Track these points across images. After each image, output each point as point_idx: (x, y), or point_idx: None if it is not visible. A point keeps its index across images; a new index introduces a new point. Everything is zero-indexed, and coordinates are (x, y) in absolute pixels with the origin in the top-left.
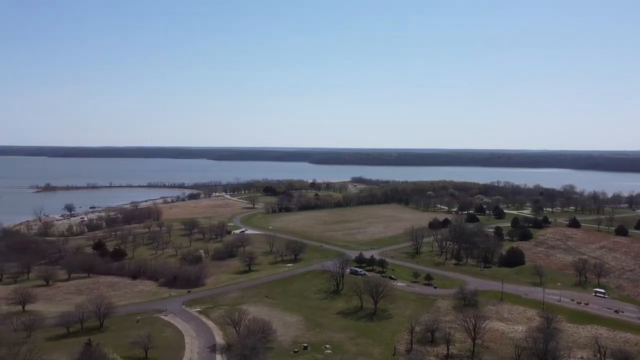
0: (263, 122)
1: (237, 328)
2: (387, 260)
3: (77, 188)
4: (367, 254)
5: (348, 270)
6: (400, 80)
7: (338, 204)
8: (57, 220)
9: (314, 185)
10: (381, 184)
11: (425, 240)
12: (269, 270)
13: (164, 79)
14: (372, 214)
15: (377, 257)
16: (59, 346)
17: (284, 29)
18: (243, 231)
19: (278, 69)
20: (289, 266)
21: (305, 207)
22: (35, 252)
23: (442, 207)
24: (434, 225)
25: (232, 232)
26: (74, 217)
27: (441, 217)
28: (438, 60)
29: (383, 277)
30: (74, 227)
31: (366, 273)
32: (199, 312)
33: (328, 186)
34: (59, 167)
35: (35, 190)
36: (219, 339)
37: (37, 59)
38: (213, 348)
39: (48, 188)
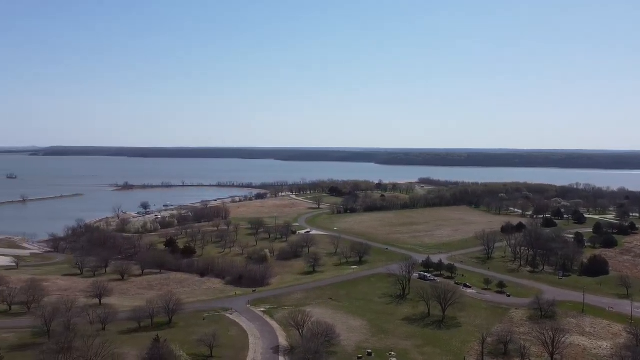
0: (329, 122)
1: (300, 330)
2: (456, 265)
3: (153, 187)
4: (435, 258)
5: (416, 275)
6: (471, 77)
7: (405, 206)
8: (134, 217)
9: (380, 186)
10: (450, 185)
11: (498, 245)
12: (333, 272)
13: (234, 82)
14: (440, 217)
15: (445, 262)
16: (130, 340)
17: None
18: (308, 232)
19: (350, 69)
20: (353, 268)
21: (371, 208)
22: (113, 247)
23: (516, 210)
24: (507, 229)
25: (297, 233)
26: (149, 214)
27: (515, 220)
28: (510, 55)
29: (457, 284)
30: (148, 224)
31: (436, 279)
32: (263, 312)
33: (394, 187)
34: (137, 167)
35: (115, 188)
36: (282, 340)
37: (126, 67)
38: (276, 349)
39: (126, 187)
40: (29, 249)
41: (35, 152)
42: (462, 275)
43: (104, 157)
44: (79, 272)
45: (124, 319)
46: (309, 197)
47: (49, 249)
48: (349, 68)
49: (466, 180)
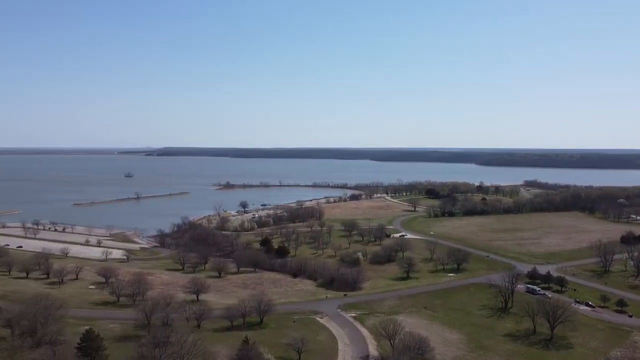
0: (427, 122)
1: (391, 341)
2: (567, 278)
3: (252, 186)
4: (542, 269)
5: (524, 288)
6: (589, 71)
7: (508, 210)
8: (233, 216)
9: (480, 189)
10: (559, 188)
11: (617, 257)
12: (429, 279)
13: (333, 83)
14: (548, 223)
15: (554, 274)
16: (222, 338)
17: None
18: (403, 235)
19: (452, 66)
20: (450, 276)
21: (471, 212)
22: (212, 244)
23: (638, 218)
24: (628, 239)
25: (392, 236)
26: (247, 213)
27: (637, 230)
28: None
29: (578, 302)
30: (246, 223)
31: (546, 293)
32: (354, 317)
33: (497, 190)
34: (238, 167)
35: (217, 187)
36: (373, 349)
37: (233, 76)
38: (366, 358)
39: (228, 186)
40: (139, 244)
41: (149, 152)
42: (574, 290)
43: (209, 157)
44: (180, 267)
45: (218, 316)
46: (404, 199)
47: (156, 244)
48: (451, 65)
49: (578, 184)
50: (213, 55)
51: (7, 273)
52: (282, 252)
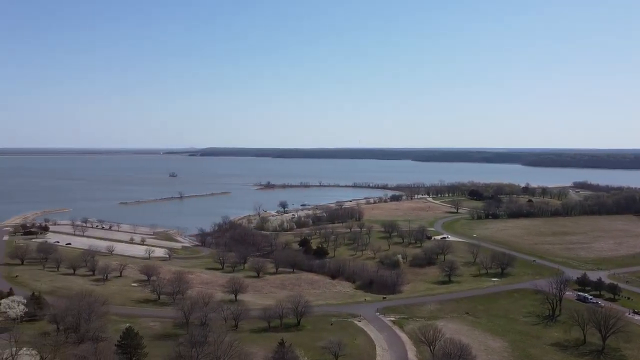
0: (470, 121)
1: (431, 347)
2: (621, 285)
3: (292, 186)
4: (593, 276)
5: (573, 295)
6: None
7: (556, 213)
8: (272, 216)
9: (526, 190)
10: (612, 190)
11: None
12: (471, 284)
13: (370, 83)
14: (599, 227)
15: (606, 281)
16: (259, 340)
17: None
18: (444, 237)
19: (501, 62)
20: (494, 281)
21: (516, 214)
22: (252, 244)
23: None
24: None
25: (433, 238)
26: (286, 213)
27: None
28: None
29: (636, 312)
30: (285, 223)
31: (599, 302)
32: (393, 321)
33: (544, 191)
34: (279, 167)
35: (258, 187)
36: (412, 355)
37: (278, 76)
38: None
39: (268, 186)
40: (181, 242)
41: (193, 153)
42: (628, 298)
43: (251, 157)
44: (220, 267)
45: (255, 317)
46: (446, 200)
47: (197, 243)
48: (496, 62)
49: (633, 185)
50: (253, 55)
51: (56, 269)
52: (320, 253)
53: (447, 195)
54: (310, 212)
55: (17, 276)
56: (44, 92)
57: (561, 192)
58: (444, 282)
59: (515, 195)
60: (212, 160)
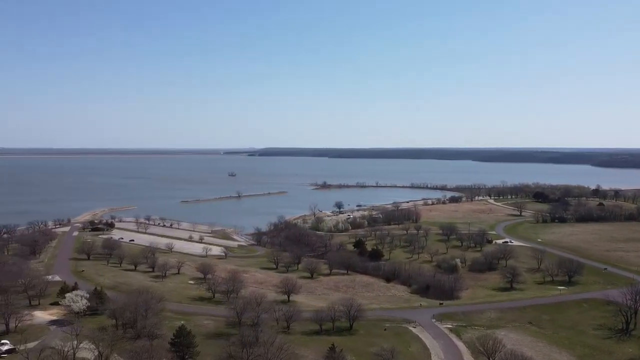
0: (536, 119)
1: (491, 358)
2: None
3: (348, 186)
4: None
5: None
6: None
7: (630, 217)
8: (327, 216)
9: (597, 193)
10: None
11: None
12: (535, 292)
13: (424, 78)
14: None
15: None
16: (310, 342)
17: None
18: (506, 241)
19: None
20: (560, 289)
21: (585, 218)
22: (306, 244)
23: None
24: None
25: (494, 242)
26: (342, 214)
27: None
28: None
29: None
30: (340, 224)
31: None
32: (450, 329)
33: (616, 194)
34: (335, 167)
35: (314, 187)
36: None
37: (335, 78)
38: None
39: (324, 186)
40: (237, 241)
41: (252, 153)
42: None
43: (308, 157)
44: (274, 266)
45: (307, 319)
46: (509, 202)
47: (253, 242)
48: (563, 54)
49: None
50: (312, 56)
51: (119, 265)
52: (375, 255)
53: (509, 197)
54: (366, 212)
55: (82, 271)
56: (112, 94)
57: (636, 195)
58: (505, 289)
59: (584, 198)
60: (271, 160)
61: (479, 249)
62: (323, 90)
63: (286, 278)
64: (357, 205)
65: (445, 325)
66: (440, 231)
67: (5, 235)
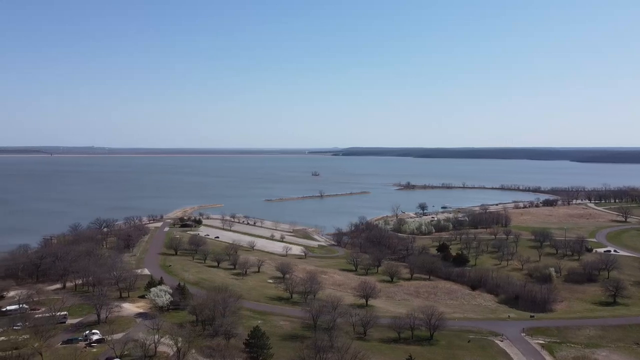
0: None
1: None
2: None
3: (433, 187)
4: None
5: None
6: None
7: None
8: (410, 217)
9: None
10: None
11: None
12: None
13: (514, 72)
14: None
15: None
16: (387, 351)
17: None
18: (609, 250)
19: None
20: None
21: None
22: (387, 246)
23: None
24: None
25: (594, 251)
26: (425, 216)
27: None
28: None
29: None
30: (423, 227)
31: None
32: (542, 345)
33: None
34: (420, 167)
35: (397, 188)
36: None
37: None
38: None
39: (408, 186)
40: (318, 241)
41: (336, 152)
42: None
43: (392, 157)
44: (353, 268)
45: (385, 325)
46: (612, 207)
47: (333, 242)
48: None
49: None
50: (399, 56)
51: (203, 261)
52: (460, 260)
53: (613, 201)
54: (451, 215)
55: (170, 265)
56: (204, 98)
57: None
58: (607, 304)
59: None
60: (354, 159)
61: (577, 257)
62: (409, 88)
63: (365, 281)
64: (442, 207)
65: (536, 341)
66: (533, 237)
67: (105, 229)
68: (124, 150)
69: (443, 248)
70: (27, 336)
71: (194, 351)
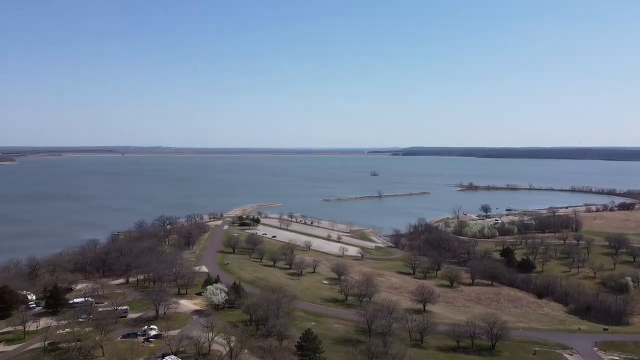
0: None
1: None
2: None
3: (497, 189)
4: None
5: None
6: None
7: None
8: (472, 220)
9: None
10: None
11: None
12: None
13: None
14: None
15: None
16: None
17: None
18: None
19: None
20: None
21: None
22: (447, 249)
23: None
24: None
25: None
26: (489, 218)
27: None
28: None
29: None
30: (486, 230)
31: None
32: None
33: None
34: (484, 168)
35: (459, 188)
36: None
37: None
38: None
39: (470, 187)
40: (375, 242)
41: (396, 152)
42: None
43: (454, 157)
44: (411, 271)
45: (443, 332)
46: None
47: (390, 244)
48: None
49: None
50: (467, 54)
51: (259, 260)
52: (526, 266)
53: None
54: (516, 218)
55: (227, 264)
56: (265, 99)
57: None
58: None
59: None
60: (414, 159)
61: None
62: (476, 86)
63: (423, 285)
64: (507, 210)
65: (610, 357)
66: (607, 243)
67: (167, 227)
68: (189, 149)
69: (507, 253)
70: (90, 329)
71: (246, 351)
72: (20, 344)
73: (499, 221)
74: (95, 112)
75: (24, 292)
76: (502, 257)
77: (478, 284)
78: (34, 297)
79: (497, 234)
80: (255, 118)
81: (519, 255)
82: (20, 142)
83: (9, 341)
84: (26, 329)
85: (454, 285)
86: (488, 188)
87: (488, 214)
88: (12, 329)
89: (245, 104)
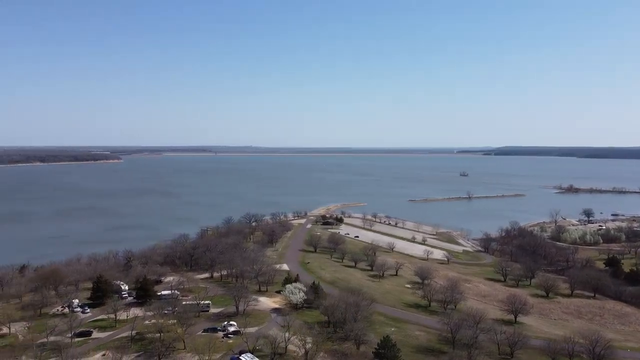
0: None
1: None
2: None
3: (601, 191)
4: None
5: None
6: None
7: None
8: (572, 225)
9: None
10: None
11: None
12: None
13: None
14: None
15: None
16: None
17: None
18: None
19: None
20: None
21: None
22: (542, 256)
23: None
24: None
25: None
26: (591, 224)
27: None
28: None
29: None
30: (588, 236)
31: None
32: None
33: None
34: (586, 168)
35: (557, 191)
36: None
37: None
38: None
39: (571, 189)
40: (463, 246)
41: (488, 152)
42: None
43: (552, 157)
44: (502, 278)
45: (537, 347)
46: None
47: (479, 248)
48: None
49: None
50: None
51: (341, 260)
52: (635, 277)
53: None
54: (624, 224)
55: (308, 263)
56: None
57: None
58: None
59: None
60: (508, 159)
61: None
62: (573, 79)
63: (514, 294)
64: (612, 215)
65: None
66: None
67: (253, 224)
68: (278, 149)
69: (613, 262)
70: (174, 321)
71: (322, 353)
72: (112, 332)
73: (604, 227)
74: (191, 116)
75: (119, 282)
76: (607, 267)
77: (578, 296)
78: (126, 288)
79: (601, 241)
80: (347, 118)
81: (626, 266)
82: (126, 142)
83: (102, 328)
84: (118, 318)
85: (550, 296)
86: (591, 191)
87: (590, 219)
88: (106, 317)
89: (341, 106)
